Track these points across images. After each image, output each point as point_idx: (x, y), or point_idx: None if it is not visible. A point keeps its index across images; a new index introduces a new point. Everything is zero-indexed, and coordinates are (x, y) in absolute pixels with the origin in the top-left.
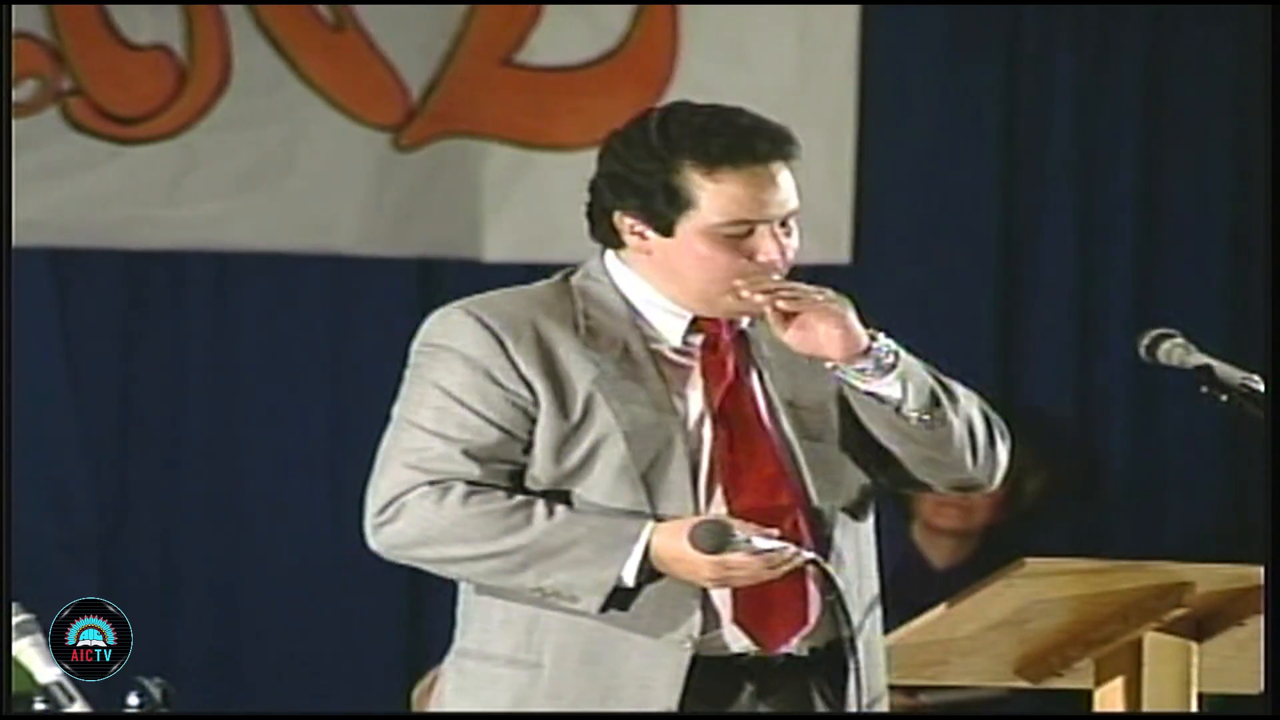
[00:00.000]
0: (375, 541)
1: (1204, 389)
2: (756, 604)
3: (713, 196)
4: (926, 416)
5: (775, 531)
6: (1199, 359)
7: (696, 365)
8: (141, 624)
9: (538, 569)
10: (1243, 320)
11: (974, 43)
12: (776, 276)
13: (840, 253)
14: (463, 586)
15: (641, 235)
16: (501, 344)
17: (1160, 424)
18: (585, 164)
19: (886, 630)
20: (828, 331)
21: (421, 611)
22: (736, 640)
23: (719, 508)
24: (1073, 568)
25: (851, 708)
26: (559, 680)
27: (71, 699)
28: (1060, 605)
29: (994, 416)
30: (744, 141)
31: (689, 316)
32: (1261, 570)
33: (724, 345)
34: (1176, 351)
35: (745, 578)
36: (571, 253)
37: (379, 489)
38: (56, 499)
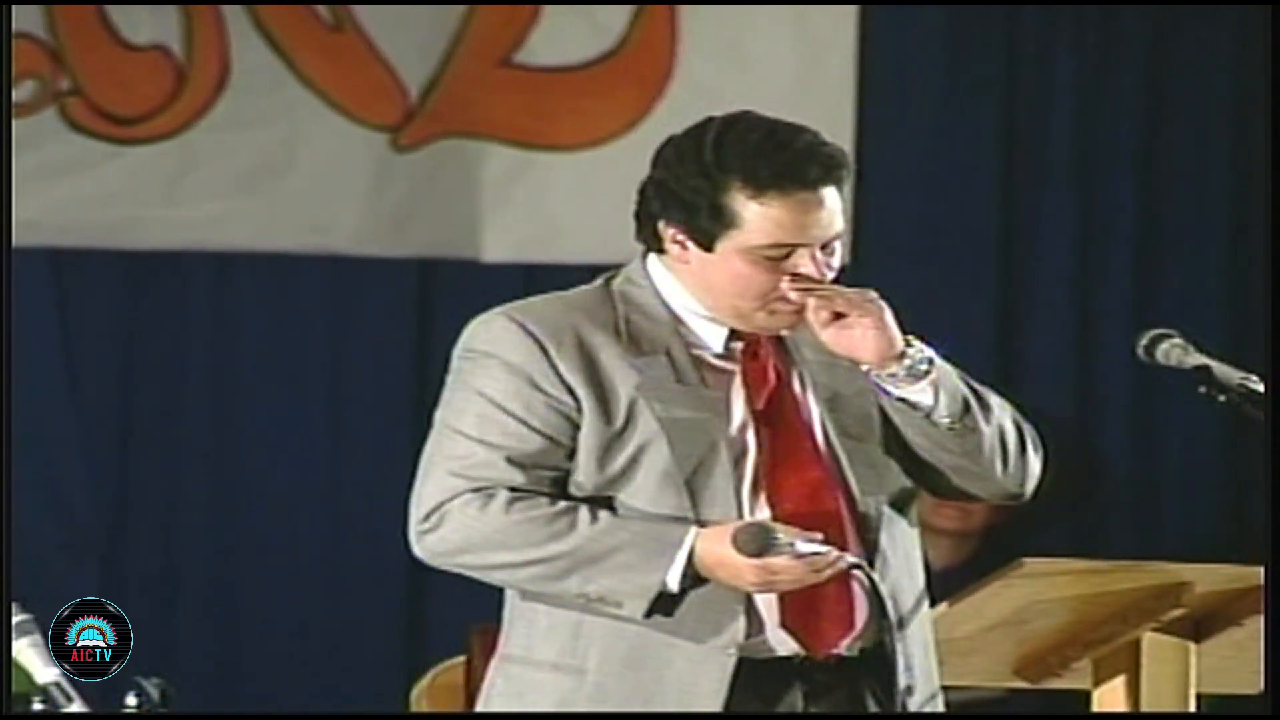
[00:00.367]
0: (419, 549)
1: (1202, 389)
2: (803, 608)
3: (757, 219)
4: (957, 425)
5: (819, 535)
6: (1197, 359)
7: (738, 371)
8: (141, 624)
9: (582, 575)
10: (1242, 320)
11: (973, 43)
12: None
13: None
14: (509, 592)
15: (682, 245)
16: (544, 350)
17: (1159, 424)
18: (584, 164)
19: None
20: (864, 333)
21: (421, 611)
22: (783, 644)
23: (763, 513)
24: (1071, 568)
25: (899, 708)
26: (603, 685)
27: (70, 699)
28: (1059, 606)
29: (1026, 426)
30: (794, 167)
31: (727, 325)
32: (1260, 570)
33: (764, 351)
34: (1175, 352)
35: (789, 582)
36: (570, 253)
37: (422, 496)
38: (56, 499)
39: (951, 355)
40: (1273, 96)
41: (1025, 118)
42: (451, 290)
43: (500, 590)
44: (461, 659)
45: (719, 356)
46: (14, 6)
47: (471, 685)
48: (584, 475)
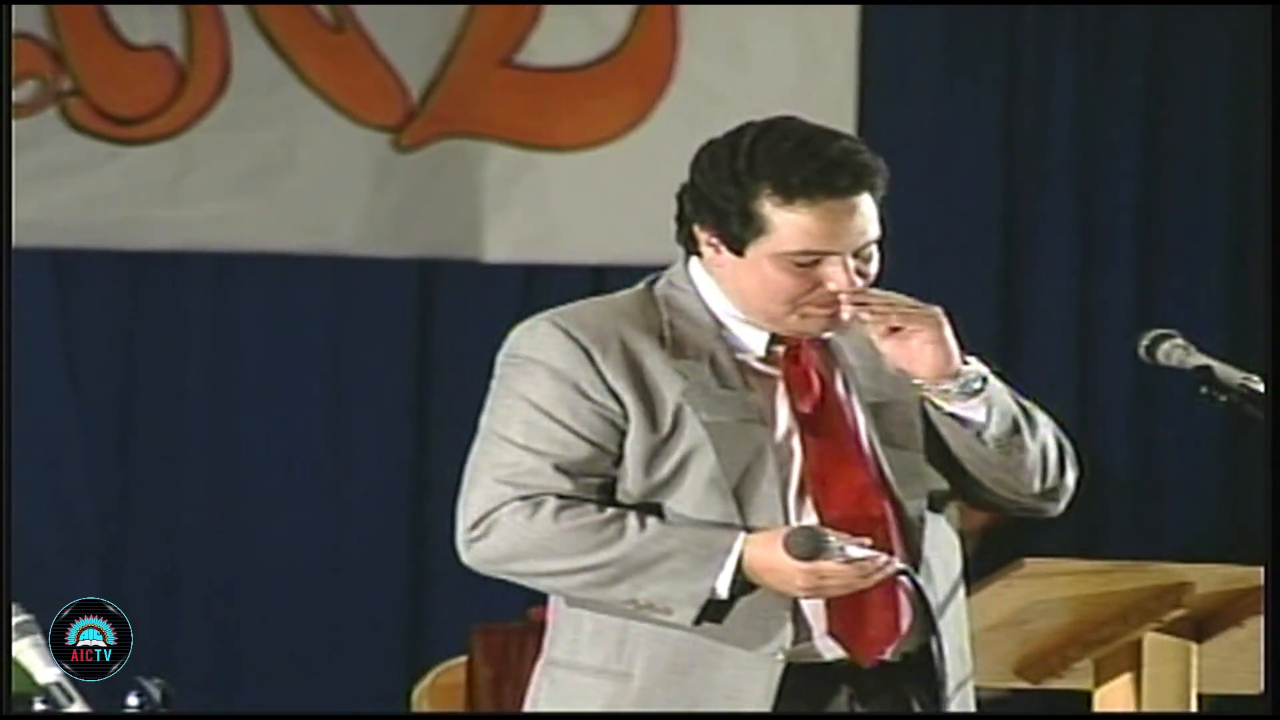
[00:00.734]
0: (467, 557)
1: (1203, 390)
2: (850, 615)
3: (786, 226)
4: (1005, 443)
5: (868, 540)
6: (1198, 359)
7: (780, 376)
8: (141, 624)
9: (631, 582)
10: (1242, 320)
11: (974, 43)
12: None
13: None
14: (554, 596)
15: (716, 249)
16: (589, 357)
17: (1160, 425)
18: (585, 164)
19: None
20: (921, 347)
21: (422, 612)
22: (830, 651)
23: (809, 518)
24: (1072, 568)
25: (948, 707)
26: (649, 691)
27: (71, 699)
28: (1060, 606)
29: (1067, 443)
30: (824, 175)
31: (768, 330)
32: (1260, 571)
33: (806, 355)
34: (1176, 352)
35: (838, 587)
36: (571, 253)
37: (470, 504)
38: (56, 499)
39: None
40: (1273, 96)
41: (1026, 118)
42: (452, 290)
43: (501, 591)
44: (462, 659)
45: (761, 360)
46: (15, 6)
47: (472, 685)
48: (631, 482)
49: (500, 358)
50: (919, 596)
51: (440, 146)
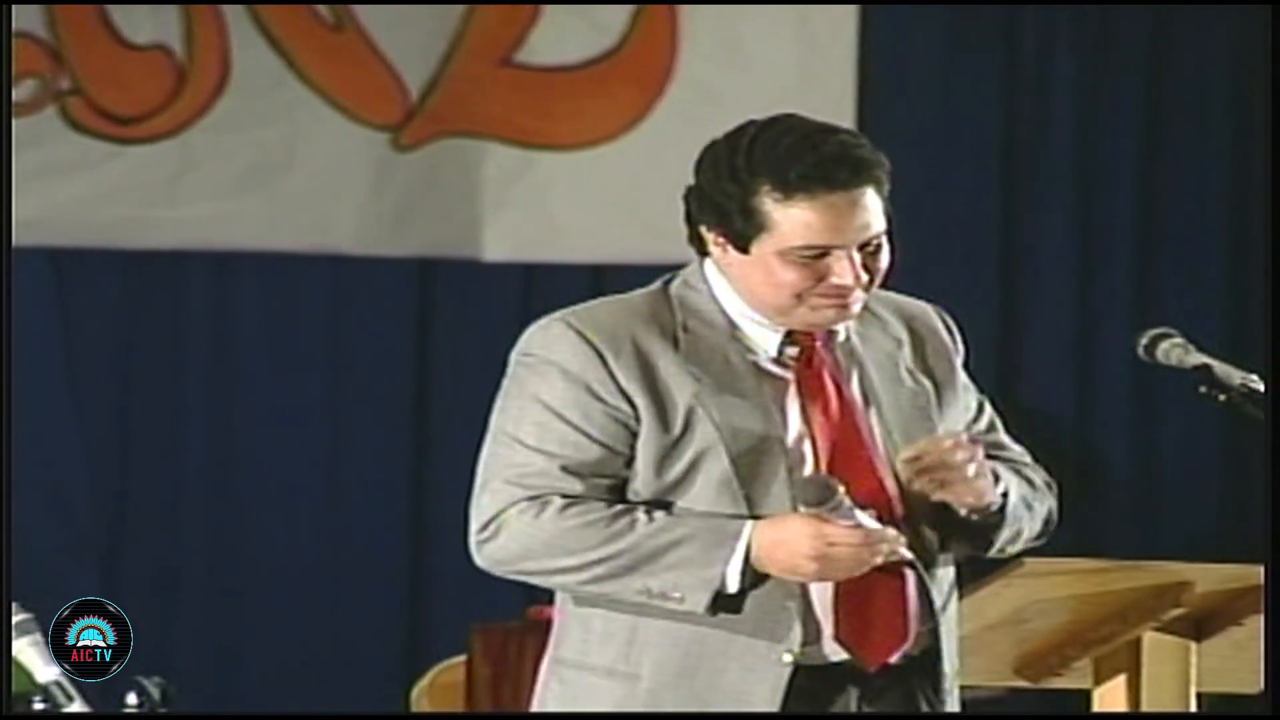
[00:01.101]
0: (480, 558)
1: (1202, 389)
2: (857, 619)
3: (787, 221)
4: (1004, 546)
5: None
6: (1198, 359)
7: (793, 379)
8: (141, 623)
9: (643, 571)
10: (1241, 320)
11: (973, 42)
12: (859, 294)
13: None
14: (560, 594)
15: (723, 248)
16: (602, 358)
17: (1159, 424)
18: (584, 164)
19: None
20: (959, 495)
21: (422, 611)
22: (837, 653)
23: None
24: (1071, 567)
25: (948, 706)
26: (657, 692)
27: (70, 698)
28: (1059, 605)
29: (1054, 509)
30: (823, 169)
31: (783, 329)
32: (1259, 570)
33: (819, 359)
34: (1175, 351)
35: (847, 558)
36: (570, 253)
37: (481, 505)
38: (55, 498)
39: None
40: (1273, 96)
41: (1025, 118)
42: (451, 290)
43: (501, 590)
44: (462, 658)
45: (774, 362)
46: (14, 6)
47: (471, 684)
48: (642, 483)
49: (513, 356)
50: (924, 595)
51: (439, 146)
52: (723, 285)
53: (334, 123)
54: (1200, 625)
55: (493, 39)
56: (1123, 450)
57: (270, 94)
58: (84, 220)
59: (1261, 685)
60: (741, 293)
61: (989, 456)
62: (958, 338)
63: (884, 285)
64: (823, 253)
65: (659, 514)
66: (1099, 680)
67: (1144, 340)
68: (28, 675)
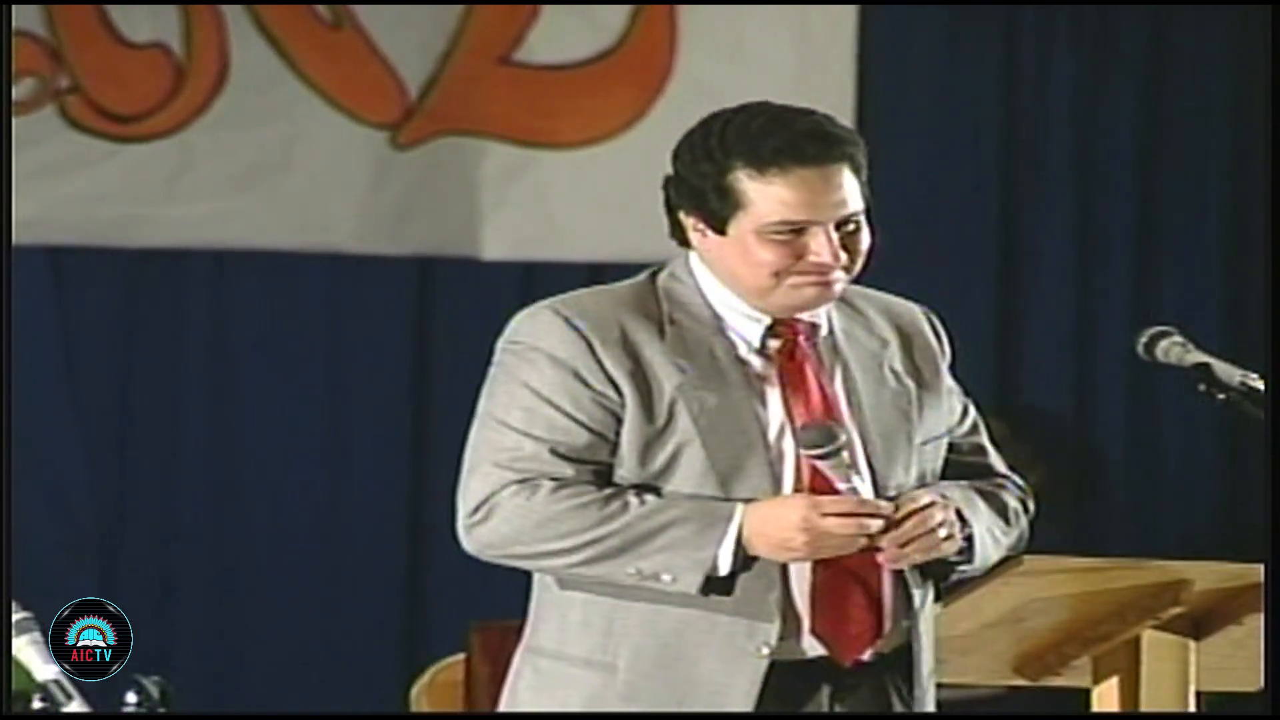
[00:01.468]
0: (468, 542)
1: (1202, 387)
2: (834, 614)
3: (762, 198)
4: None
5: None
6: (1197, 357)
7: (776, 372)
8: (140, 622)
9: (635, 552)
10: (1240, 318)
11: (972, 42)
12: (839, 275)
13: None
14: (539, 582)
15: (702, 233)
16: (590, 345)
17: (1158, 422)
18: (583, 162)
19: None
20: (913, 551)
21: (420, 609)
22: (813, 649)
23: None
24: (1070, 566)
25: (920, 703)
26: (634, 684)
27: (69, 697)
28: (1058, 603)
29: (1024, 532)
30: (795, 145)
31: (766, 321)
32: (1259, 568)
33: (801, 352)
34: (1174, 349)
35: (838, 529)
36: (569, 251)
37: (470, 489)
38: (55, 497)
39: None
40: (1273, 96)
41: (1024, 117)
42: (450, 288)
43: (500, 588)
44: (461, 657)
45: (757, 354)
46: (13, 5)
47: (470, 683)
48: (628, 469)
49: (500, 344)
50: (901, 591)
51: (438, 144)
52: (708, 277)
53: (333, 121)
54: (1199, 624)
55: (492, 37)
56: (1122, 448)
57: (269, 92)
58: (83, 219)
59: (1260, 683)
60: (724, 279)
61: (967, 466)
62: (945, 341)
63: (882, 282)
64: (800, 230)
65: (650, 496)
66: (1098, 679)
67: (1143, 339)
68: (27, 674)
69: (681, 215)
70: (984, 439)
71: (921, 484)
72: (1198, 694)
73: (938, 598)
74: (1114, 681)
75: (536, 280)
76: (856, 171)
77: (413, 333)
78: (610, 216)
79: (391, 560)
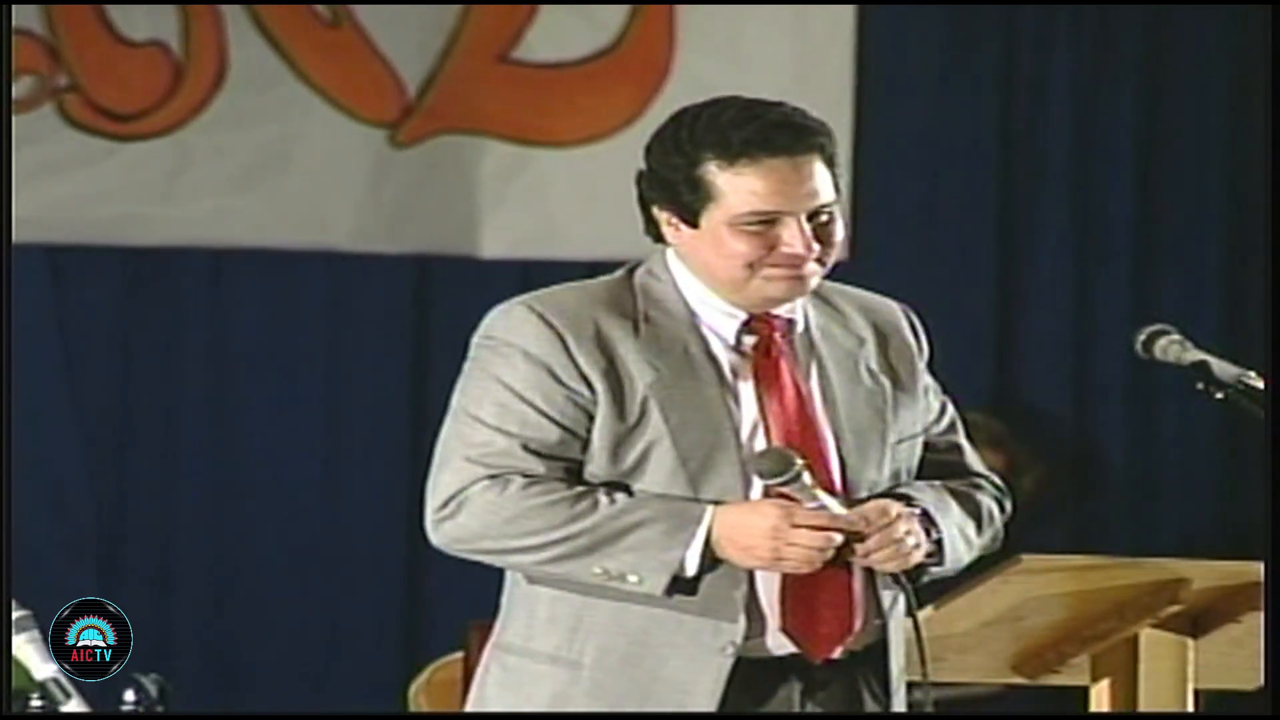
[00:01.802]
0: (436, 537)
1: (1200, 385)
2: (804, 612)
3: (732, 189)
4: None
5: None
6: (1195, 355)
7: (751, 370)
8: (138, 621)
9: (603, 552)
10: (1239, 317)
11: (971, 41)
12: (813, 267)
13: None
14: (510, 578)
15: (676, 228)
16: (563, 341)
17: (1157, 420)
18: (582, 160)
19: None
20: (881, 561)
21: (419, 608)
22: (781, 647)
23: None
24: (1069, 564)
25: (893, 703)
26: (599, 681)
27: (68, 695)
28: (1056, 602)
29: (998, 532)
30: (763, 135)
31: (741, 317)
32: (1257, 567)
33: (777, 348)
34: (1173, 348)
35: (803, 550)
36: (568, 249)
37: (439, 484)
38: (53, 496)
39: (948, 351)
40: (1273, 96)
41: (1023, 115)
42: (449, 287)
43: (498, 586)
44: (459, 655)
45: (732, 351)
46: (11, 3)
47: (468, 681)
48: (598, 466)
49: (475, 339)
50: (872, 589)
51: (437, 143)
52: (684, 274)
53: (331, 120)
54: (1197, 622)
55: (490, 36)
56: (1120, 447)
57: (267, 91)
58: (81, 217)
59: (1258, 682)
60: (699, 274)
61: (943, 465)
62: (923, 339)
63: (881, 281)
64: (771, 221)
65: (620, 495)
66: (1096, 677)
67: (1141, 337)
68: (25, 672)
69: (655, 210)
70: (961, 438)
71: (896, 483)
72: (1196, 692)
73: (920, 600)
74: (1113, 680)
75: (535, 279)
76: (829, 163)
77: (411, 332)
78: (608, 215)
79: (390, 558)
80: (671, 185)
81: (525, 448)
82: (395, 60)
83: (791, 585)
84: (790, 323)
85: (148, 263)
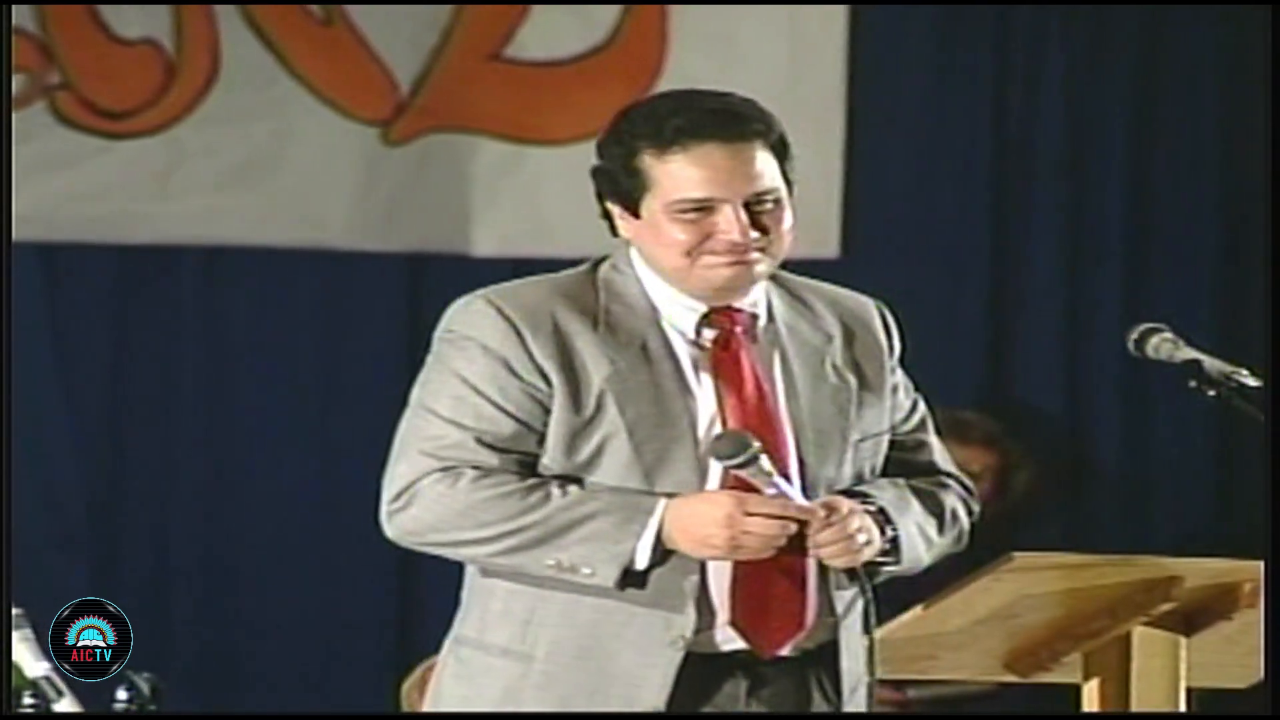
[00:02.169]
0: (389, 529)
1: (1193, 384)
2: (754, 606)
3: (666, 176)
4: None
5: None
6: (1188, 354)
7: (709, 363)
8: (132, 619)
9: (554, 543)
10: (1232, 315)
11: (963, 40)
12: (758, 255)
13: (829, 248)
14: (469, 571)
15: (624, 219)
16: (520, 335)
17: (1149, 418)
18: (574, 159)
19: (875, 624)
20: (831, 556)
21: (413, 606)
22: (730, 642)
23: None
24: (1061, 562)
25: (843, 707)
26: (550, 674)
27: (60, 693)
28: (1049, 600)
29: (963, 531)
30: (695, 122)
31: (701, 310)
32: (1249, 565)
33: (737, 342)
34: (1165, 346)
35: (761, 531)
36: (560, 247)
37: (394, 475)
38: (47, 493)
39: (941, 350)
40: (1273, 96)
41: (1015, 114)
42: (441, 284)
43: None
44: None
45: (692, 345)
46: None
47: None
48: (552, 459)
49: (437, 333)
50: (825, 587)
51: (429, 140)
52: (644, 267)
53: (324, 118)
54: (1190, 620)
55: (483, 34)
56: (1113, 445)
57: (260, 89)
58: (74, 215)
59: (1251, 680)
60: (650, 265)
61: (910, 463)
62: (895, 337)
63: (873, 279)
64: (707, 208)
65: (573, 488)
66: (1088, 675)
67: (1134, 335)
68: (18, 670)
69: (607, 204)
70: (931, 437)
71: (859, 481)
72: (1188, 690)
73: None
74: (1105, 678)
75: (527, 276)
76: (774, 151)
77: (404, 329)
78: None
79: (383, 556)
80: (613, 176)
81: (479, 440)
82: (388, 58)
83: (743, 580)
84: (754, 317)
85: (141, 260)
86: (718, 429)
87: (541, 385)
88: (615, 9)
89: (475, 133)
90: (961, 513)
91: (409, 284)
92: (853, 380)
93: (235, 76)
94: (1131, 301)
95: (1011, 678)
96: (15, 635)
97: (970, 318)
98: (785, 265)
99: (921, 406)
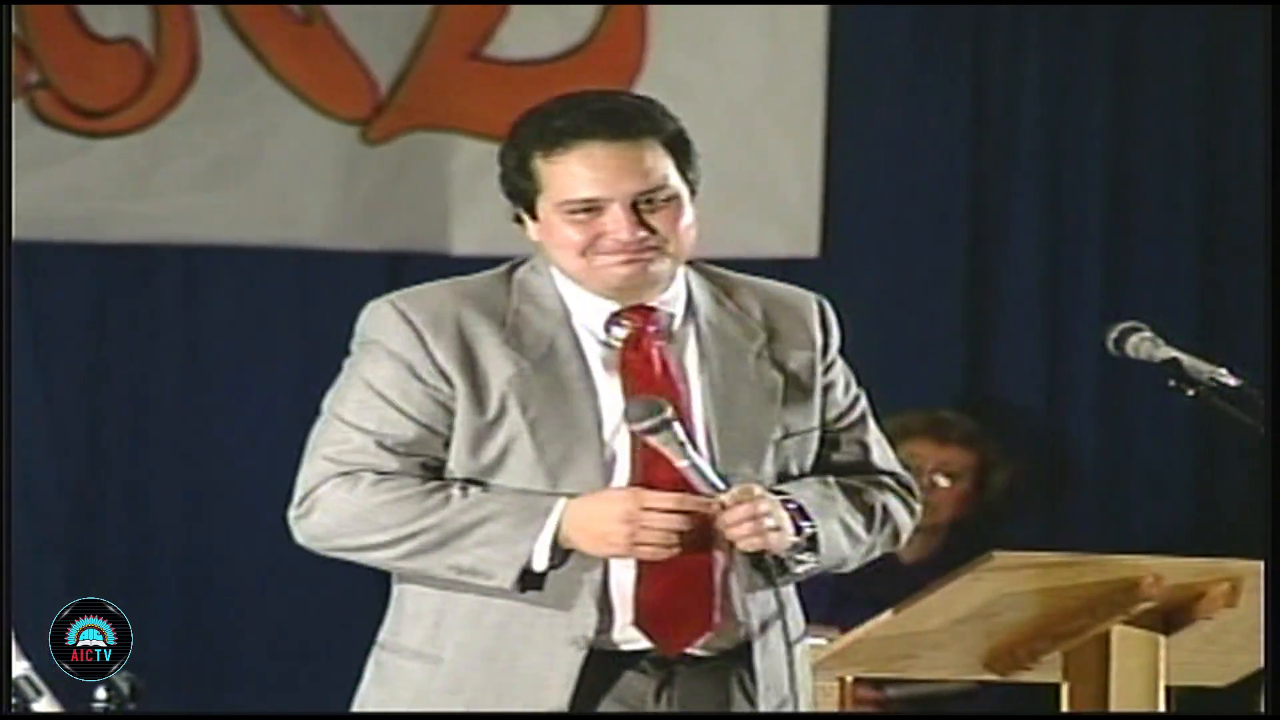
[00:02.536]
0: (297, 534)
1: (1172, 383)
2: (657, 605)
3: (553, 177)
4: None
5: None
6: (1167, 353)
7: (618, 363)
8: None
9: (453, 547)
10: (1212, 314)
11: (942, 38)
12: (654, 254)
13: (808, 246)
14: (395, 581)
15: (529, 222)
16: (421, 339)
17: (1129, 418)
18: None
19: (855, 624)
20: (739, 537)
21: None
22: (633, 642)
23: None
24: (1040, 561)
25: (760, 707)
26: (458, 676)
27: (39, 693)
28: (1028, 599)
29: (898, 527)
30: (579, 123)
31: (611, 309)
32: (1229, 563)
33: (648, 341)
34: (1145, 345)
35: (658, 528)
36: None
37: (298, 482)
38: (25, 493)
39: (920, 348)
40: (1273, 96)
41: (995, 112)
42: (421, 282)
43: None
44: None
45: (603, 345)
46: None
47: None
48: (456, 462)
49: (354, 338)
50: (742, 586)
51: (409, 140)
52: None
53: (303, 117)
54: (1169, 619)
55: (462, 33)
56: (1092, 444)
57: (239, 88)
58: (52, 214)
59: (1230, 678)
60: (554, 265)
61: (842, 462)
62: (833, 334)
63: (850, 278)
64: (594, 207)
65: (472, 490)
66: (1068, 674)
67: (1113, 334)
68: None
69: (513, 207)
70: (869, 435)
71: (784, 479)
72: (1167, 689)
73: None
74: (1084, 676)
75: None
76: (670, 150)
77: None
78: None
79: None
80: (511, 179)
81: (380, 444)
82: (367, 57)
83: (647, 579)
84: (671, 316)
85: (120, 259)
86: (624, 430)
87: (444, 388)
88: (595, 8)
89: (455, 131)
90: (896, 509)
91: (389, 283)
92: (778, 378)
93: (214, 75)
94: (1110, 300)
95: (991, 676)
96: None
97: (949, 316)
98: (763, 264)
99: (862, 404)
